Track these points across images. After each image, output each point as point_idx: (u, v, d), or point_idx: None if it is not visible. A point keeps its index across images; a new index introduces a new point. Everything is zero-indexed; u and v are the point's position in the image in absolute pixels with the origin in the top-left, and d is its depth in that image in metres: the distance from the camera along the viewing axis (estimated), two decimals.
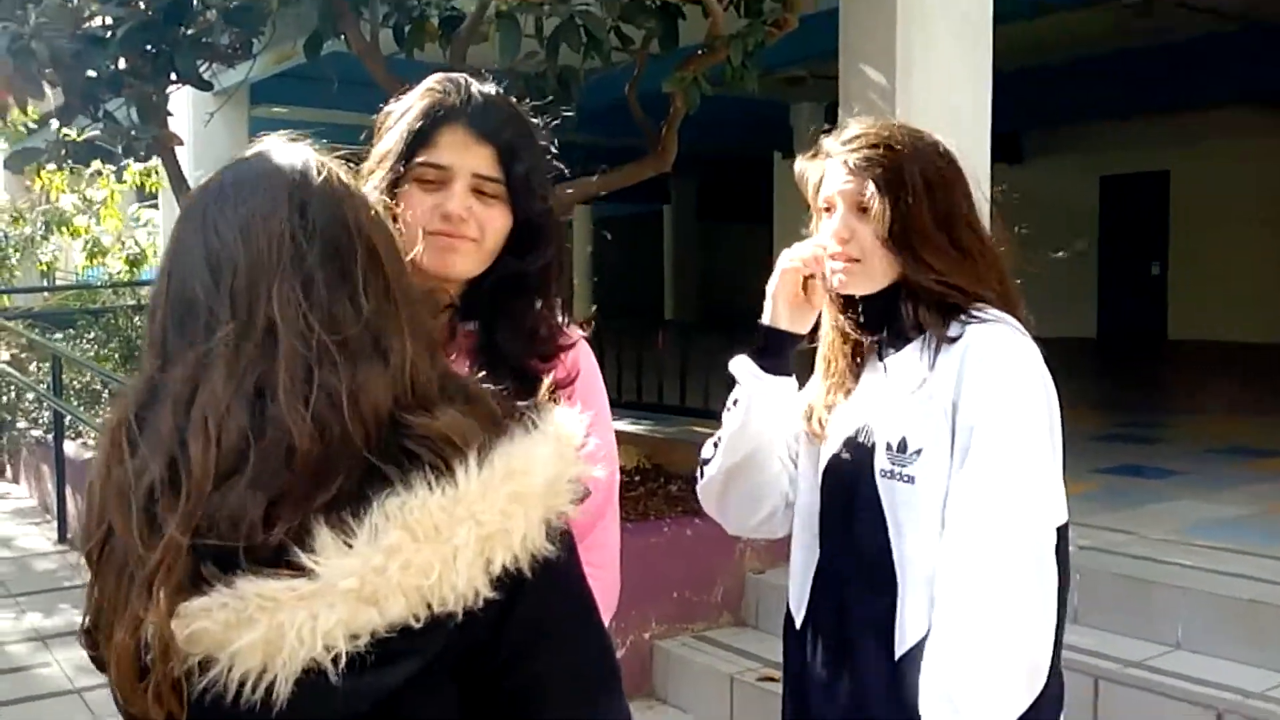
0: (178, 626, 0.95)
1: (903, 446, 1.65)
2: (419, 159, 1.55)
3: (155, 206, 12.59)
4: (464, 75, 1.62)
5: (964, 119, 4.52)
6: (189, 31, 4.98)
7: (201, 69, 5.30)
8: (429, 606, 0.95)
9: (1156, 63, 9.56)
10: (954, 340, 1.64)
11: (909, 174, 1.66)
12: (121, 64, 5.05)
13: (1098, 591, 4.02)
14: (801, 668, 1.79)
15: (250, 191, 1.07)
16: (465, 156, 1.56)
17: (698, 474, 1.87)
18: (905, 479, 1.64)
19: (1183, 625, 3.80)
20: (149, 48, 4.93)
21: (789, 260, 1.74)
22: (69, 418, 6.97)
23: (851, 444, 1.73)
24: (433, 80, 1.61)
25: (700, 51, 4.48)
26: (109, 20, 4.82)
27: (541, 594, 1.00)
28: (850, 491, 1.71)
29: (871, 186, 1.66)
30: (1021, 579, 1.55)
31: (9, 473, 8.66)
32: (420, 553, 0.95)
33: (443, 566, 0.95)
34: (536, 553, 0.98)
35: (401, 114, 1.59)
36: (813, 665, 1.76)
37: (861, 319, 1.75)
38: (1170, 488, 5.62)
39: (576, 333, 1.71)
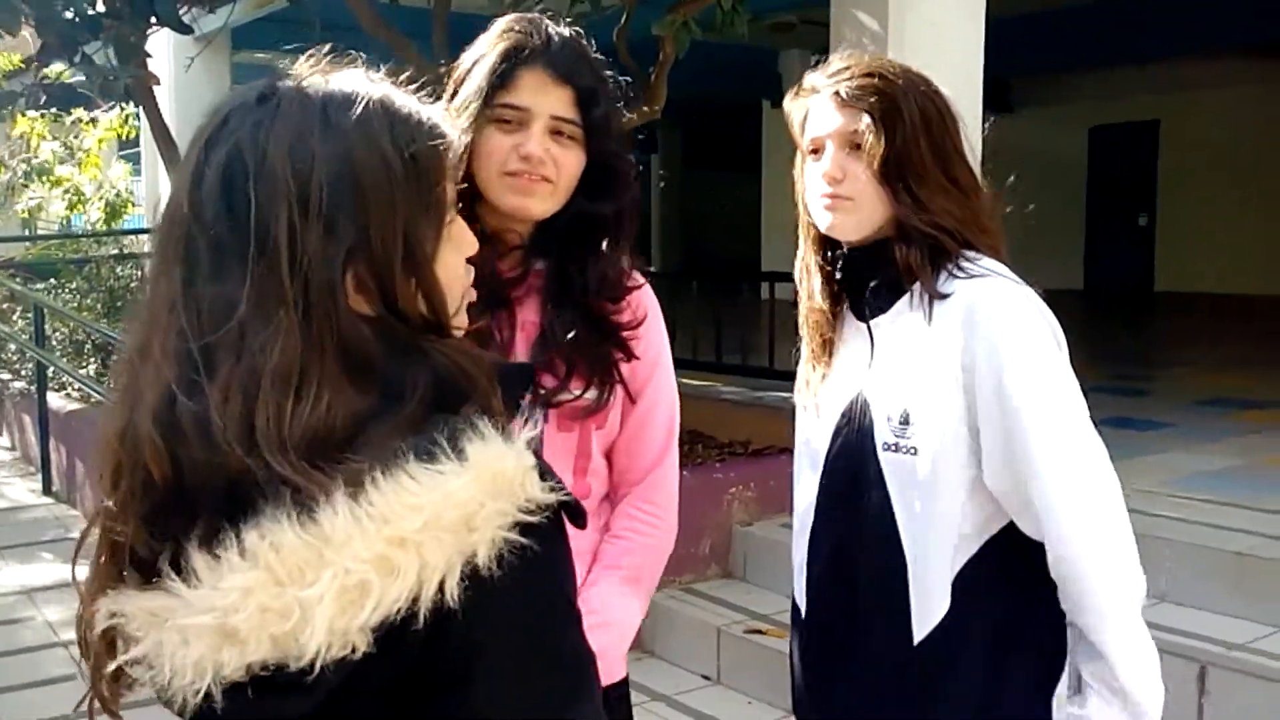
0: (99, 620, 0.94)
1: (905, 419, 1.56)
2: (498, 100, 1.57)
3: (136, 156, 12.46)
4: (540, 16, 1.63)
5: (957, 66, 4.46)
6: None
7: (181, 13, 5.20)
8: (299, 652, 0.85)
9: (1148, 10, 9.49)
10: (947, 296, 1.55)
11: (904, 106, 1.56)
12: (100, 6, 4.95)
13: None
14: (811, 658, 1.72)
15: (190, 149, 0.97)
16: (544, 98, 1.57)
17: None
18: (909, 450, 1.56)
19: (1168, 577, 3.80)
20: None
21: None
22: (52, 369, 6.91)
23: (848, 419, 1.65)
24: (509, 21, 1.62)
25: None
26: None
27: (474, 624, 0.89)
28: (854, 470, 1.62)
29: (865, 119, 1.56)
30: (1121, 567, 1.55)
31: None
32: (280, 597, 0.85)
33: (300, 616, 0.85)
34: (450, 593, 0.86)
35: (478, 57, 1.61)
36: (823, 656, 1.69)
37: (840, 272, 1.66)
38: (1158, 440, 5.63)
39: (638, 278, 1.73)
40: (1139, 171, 13.46)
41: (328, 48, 1.06)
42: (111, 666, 0.94)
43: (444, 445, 0.89)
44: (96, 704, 0.98)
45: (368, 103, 0.97)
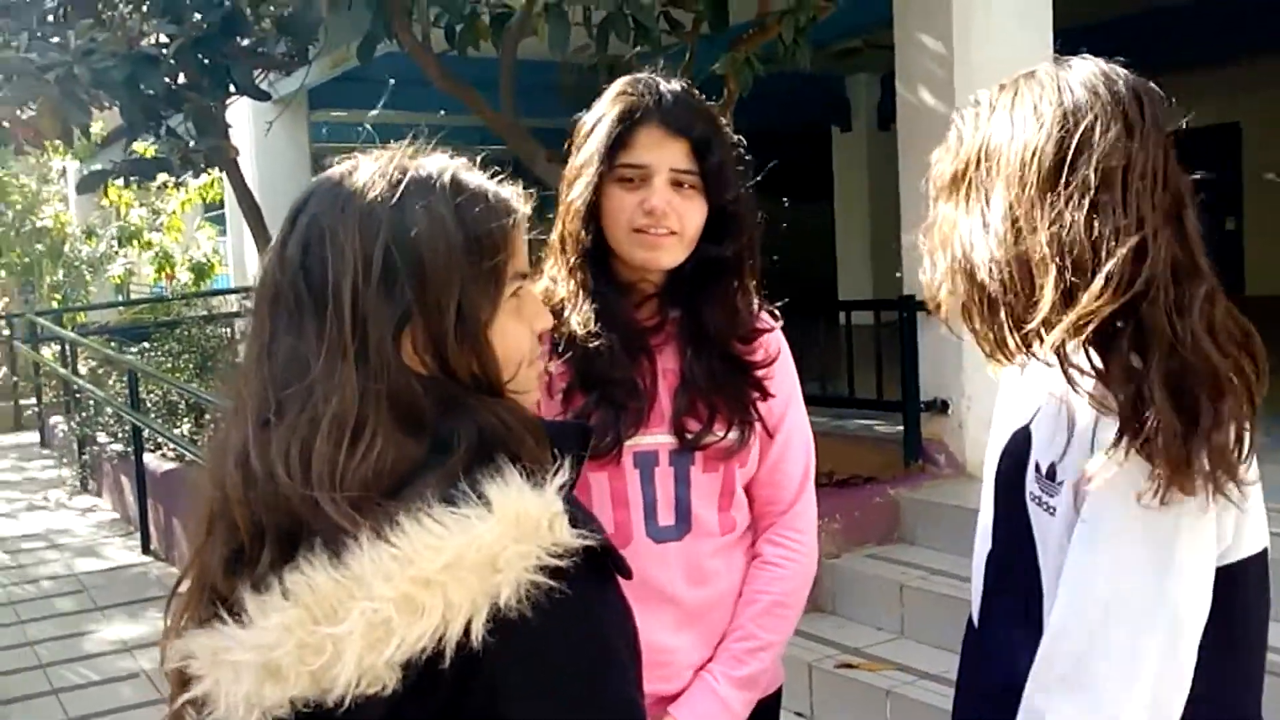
0: (170, 660, 1.01)
1: (1051, 474, 1.39)
2: (619, 161, 1.65)
3: (221, 217, 12.81)
4: (650, 75, 1.70)
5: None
6: (244, 43, 5.03)
7: (258, 79, 5.35)
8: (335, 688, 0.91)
9: (1216, 11, 9.30)
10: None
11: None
12: (180, 79, 5.12)
13: None
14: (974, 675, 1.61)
15: (283, 223, 1.09)
16: (662, 153, 1.65)
17: None
18: (1049, 510, 1.38)
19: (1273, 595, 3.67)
20: (205, 61, 4.99)
21: None
22: (147, 431, 7.09)
23: (1011, 450, 1.50)
24: (622, 84, 1.69)
25: (751, 30, 4.43)
26: (164, 37, 4.88)
27: (504, 668, 0.92)
28: (1008, 508, 1.48)
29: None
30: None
31: (93, 486, 8.86)
32: (315, 634, 0.91)
33: (332, 651, 0.90)
34: (475, 634, 0.90)
35: (596, 121, 1.68)
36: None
37: None
38: (1264, 452, 5.44)
39: (768, 320, 1.80)
40: (1223, 174, 13.17)
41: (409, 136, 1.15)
42: (177, 704, 1.00)
43: (467, 491, 0.94)
44: None
45: (439, 180, 1.07)
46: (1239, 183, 13.11)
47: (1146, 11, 9.54)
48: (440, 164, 1.09)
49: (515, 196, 1.12)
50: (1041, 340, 1.30)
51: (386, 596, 0.90)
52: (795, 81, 8.34)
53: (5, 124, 4.93)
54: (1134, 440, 1.24)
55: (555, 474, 0.99)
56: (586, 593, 0.96)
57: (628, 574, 1.01)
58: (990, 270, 1.32)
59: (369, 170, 1.07)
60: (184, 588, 1.03)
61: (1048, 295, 1.28)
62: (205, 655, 0.97)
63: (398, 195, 1.04)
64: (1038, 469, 1.41)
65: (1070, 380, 1.30)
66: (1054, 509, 1.37)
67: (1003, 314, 1.33)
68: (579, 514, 0.98)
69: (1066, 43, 5.12)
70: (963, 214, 1.38)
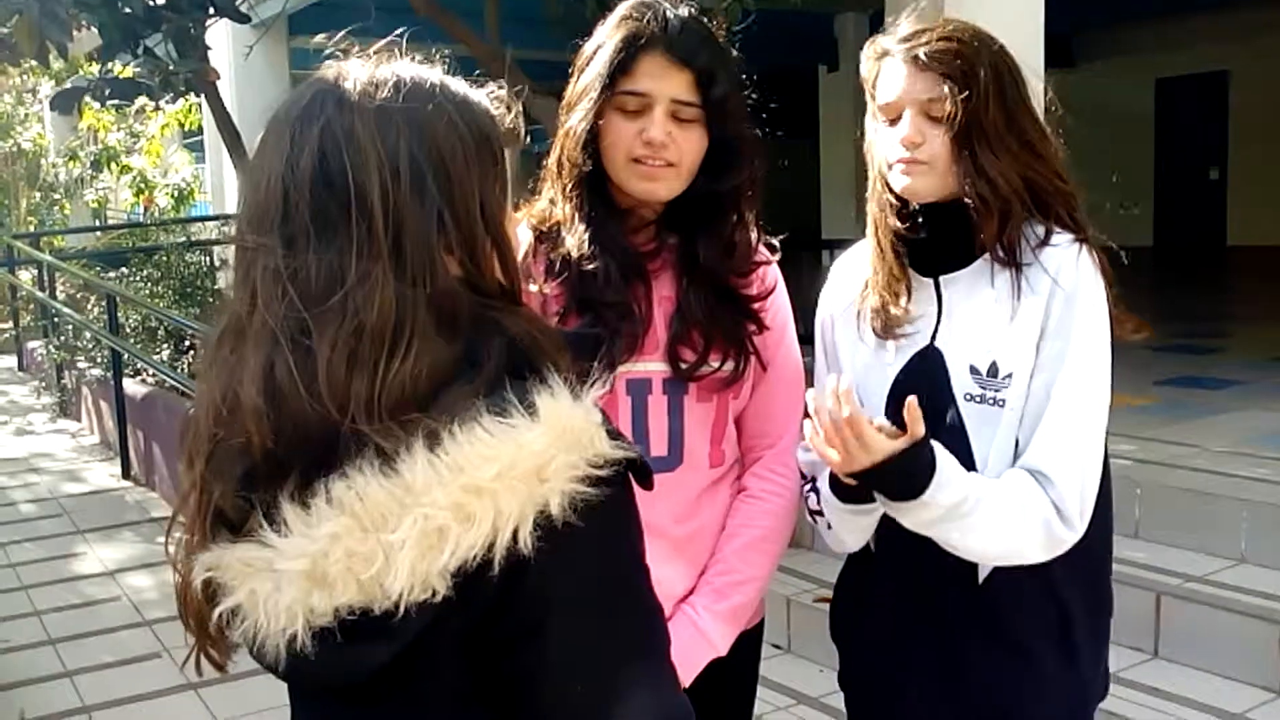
0: (196, 573, 1.01)
1: (993, 370, 1.59)
2: (620, 88, 1.61)
3: (199, 145, 12.65)
4: (657, 0, 1.65)
5: (1017, 22, 4.37)
6: None
7: (238, 1, 5.26)
8: (383, 595, 0.92)
9: None
10: (1026, 265, 1.58)
11: (979, 72, 1.56)
12: (159, 0, 5.03)
13: (1159, 506, 3.97)
14: (882, 597, 1.74)
15: (272, 132, 1.03)
16: (664, 83, 1.61)
17: (810, 519, 1.74)
18: (997, 403, 1.58)
19: (1247, 539, 3.75)
20: None
21: (819, 440, 1.53)
22: (126, 356, 7.07)
23: (920, 364, 1.65)
24: (627, 8, 1.65)
25: None
26: None
27: (548, 574, 0.94)
28: (928, 415, 1.60)
29: (944, 85, 1.56)
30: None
31: (71, 411, 8.83)
32: (365, 542, 0.92)
33: (385, 559, 0.91)
34: (523, 541, 0.92)
35: (599, 45, 1.65)
36: (897, 594, 1.71)
37: (919, 232, 1.65)
38: (1232, 398, 5.52)
39: (766, 252, 1.77)
40: (1209, 123, 13.14)
41: (383, 39, 1.10)
42: (214, 617, 1.00)
43: (515, 401, 0.95)
44: (207, 667, 1.05)
45: (433, 85, 1.04)
46: (1224, 132, 13.09)
47: None
48: (422, 69, 1.06)
49: (494, 101, 1.10)
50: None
51: (440, 504, 0.91)
52: (784, 19, 8.25)
53: None
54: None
55: (592, 385, 1.00)
56: (620, 503, 0.99)
57: (650, 486, 1.03)
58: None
59: (363, 74, 1.03)
60: (186, 510, 1.02)
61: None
62: (236, 568, 0.97)
63: (403, 97, 1.01)
64: (974, 370, 1.59)
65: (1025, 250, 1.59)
66: (1002, 401, 1.56)
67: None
68: (609, 425, 1.00)
69: None
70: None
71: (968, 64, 1.57)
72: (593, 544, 0.96)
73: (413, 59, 1.08)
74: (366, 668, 0.96)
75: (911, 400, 1.47)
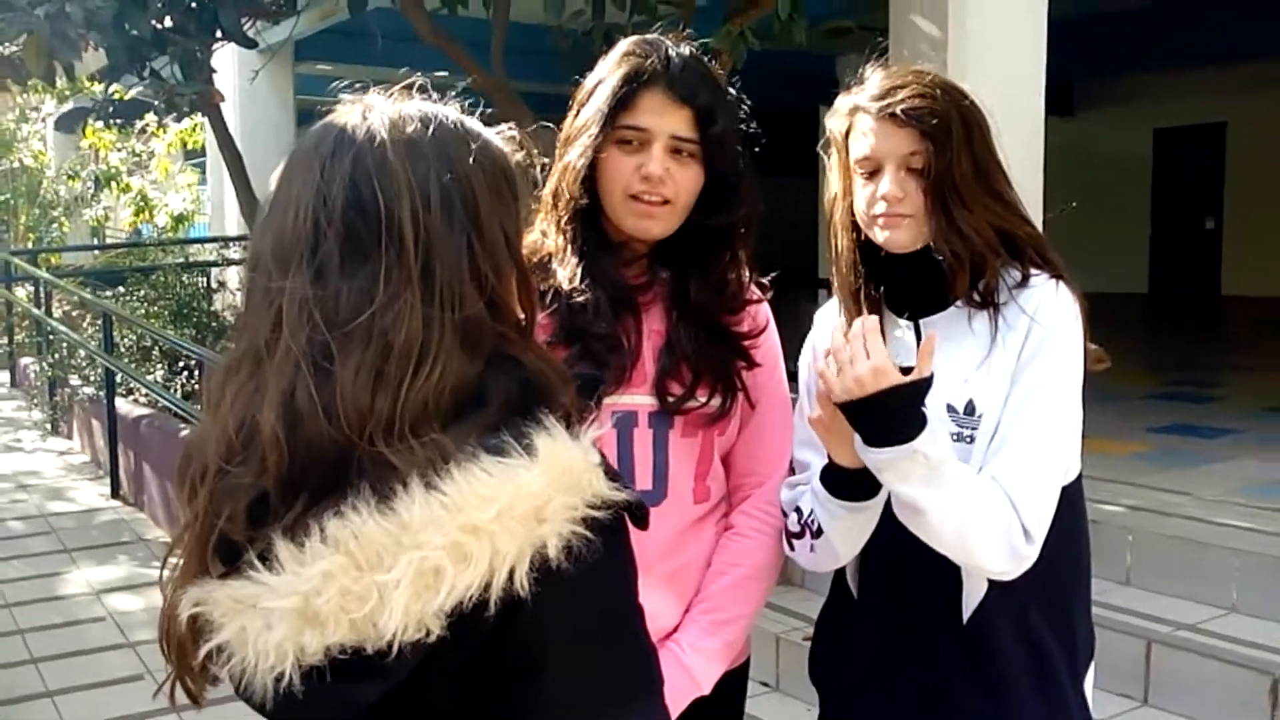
0: (183, 607, 1.00)
1: (970, 409, 1.61)
2: (620, 123, 1.63)
3: (202, 165, 12.69)
4: (659, 37, 1.68)
5: (1018, 70, 4.41)
6: None
7: (245, 26, 5.29)
8: (376, 635, 0.91)
9: (1212, 9, 9.32)
10: (1003, 304, 1.62)
11: (950, 126, 1.60)
12: (167, 22, 5.05)
13: (1151, 553, 3.97)
14: (863, 639, 1.75)
15: (299, 163, 1.04)
16: (664, 119, 1.63)
17: (788, 545, 1.73)
18: (968, 440, 1.60)
19: (1238, 588, 3.74)
20: (192, 5, 4.93)
21: (815, 413, 1.59)
22: (120, 375, 7.05)
23: None
24: (630, 44, 1.67)
25: (748, 4, 4.41)
26: None
27: (544, 615, 0.94)
28: None
29: (923, 142, 1.60)
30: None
31: (63, 429, 8.80)
32: (360, 581, 0.91)
33: (379, 598, 0.91)
34: (519, 582, 0.92)
35: (599, 80, 1.66)
36: (882, 637, 1.71)
37: (888, 280, 1.69)
38: (1225, 447, 5.52)
39: (757, 291, 1.78)
40: (1206, 174, 13.22)
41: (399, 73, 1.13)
42: (201, 653, 0.99)
43: (514, 442, 0.95)
44: (180, 694, 1.04)
45: (455, 121, 1.08)
46: (1220, 183, 13.17)
47: (1142, 8, 9.54)
48: (437, 107, 1.08)
49: (507, 139, 1.13)
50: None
51: (436, 544, 0.91)
52: (786, 59, 8.31)
53: None
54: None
55: (589, 426, 1.01)
56: (617, 544, 0.99)
57: (645, 526, 1.03)
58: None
59: (389, 109, 1.06)
60: (184, 540, 1.01)
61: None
62: (226, 604, 0.96)
63: (429, 131, 1.04)
64: (951, 410, 1.62)
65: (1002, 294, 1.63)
66: (974, 437, 1.60)
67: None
68: (607, 466, 1.00)
69: (1060, 33, 5.12)
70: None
71: (942, 120, 1.60)
72: (590, 585, 0.96)
73: (429, 97, 1.10)
74: (357, 707, 0.95)
75: (931, 335, 1.50)
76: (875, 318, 1.52)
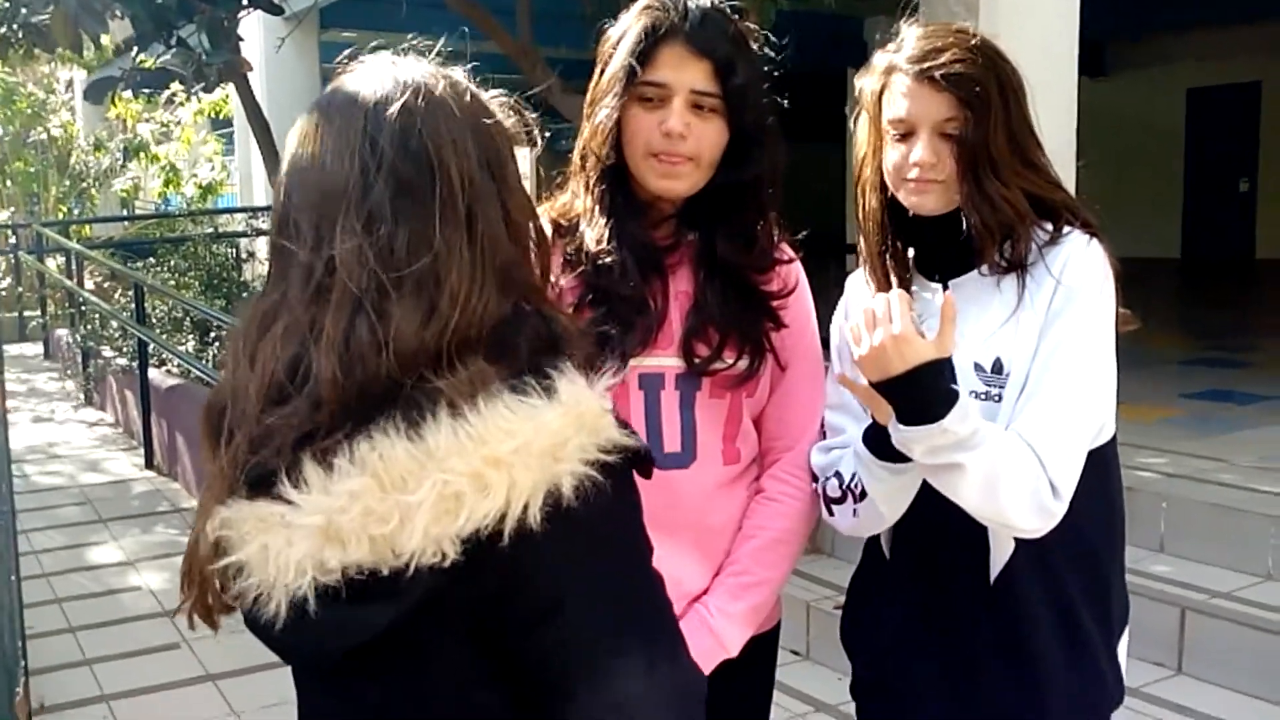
0: (209, 529, 1.04)
1: (997, 367, 1.61)
2: (640, 79, 1.61)
3: (229, 135, 12.71)
4: None
5: (1050, 30, 4.34)
6: None
7: None
8: (394, 555, 0.95)
9: None
10: (1031, 265, 1.60)
11: (990, 95, 1.58)
12: None
13: (1186, 520, 3.93)
14: (896, 597, 1.75)
15: (337, 117, 1.08)
16: (683, 73, 1.60)
17: (826, 511, 1.72)
18: (995, 399, 1.60)
19: (1273, 555, 3.71)
20: None
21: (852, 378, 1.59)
22: (152, 345, 7.10)
23: None
24: None
25: None
26: None
27: (557, 553, 0.98)
28: None
29: (961, 108, 1.57)
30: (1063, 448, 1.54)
31: (96, 400, 8.89)
32: (384, 502, 0.95)
33: (400, 519, 0.95)
34: (532, 517, 0.96)
35: (620, 35, 1.64)
36: (912, 596, 1.72)
37: (917, 242, 1.68)
38: (1261, 413, 5.46)
39: (788, 250, 1.76)
40: (1240, 135, 13.03)
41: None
42: (219, 566, 1.03)
43: (534, 383, 1.00)
44: (196, 616, 1.10)
45: (460, 80, 1.12)
46: (1255, 144, 12.97)
47: None
48: (444, 69, 1.13)
49: (501, 106, 1.17)
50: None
51: (459, 471, 0.95)
52: (813, 21, 8.22)
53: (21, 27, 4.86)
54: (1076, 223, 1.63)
55: (603, 375, 1.05)
56: (626, 487, 1.04)
57: (649, 475, 1.07)
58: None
59: (411, 69, 1.10)
60: (213, 483, 1.05)
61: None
62: (251, 523, 1.00)
63: (456, 90, 1.10)
64: (978, 368, 1.62)
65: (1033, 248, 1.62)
66: (1000, 395, 1.60)
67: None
68: (616, 413, 1.04)
69: None
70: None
71: (982, 87, 1.58)
72: (601, 526, 1.00)
73: (436, 60, 1.15)
74: (368, 630, 0.99)
75: (949, 302, 1.49)
76: (901, 291, 1.52)
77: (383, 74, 1.10)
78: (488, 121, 1.10)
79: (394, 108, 1.06)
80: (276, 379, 1.01)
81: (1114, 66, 12.94)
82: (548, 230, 1.68)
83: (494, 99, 1.15)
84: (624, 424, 1.04)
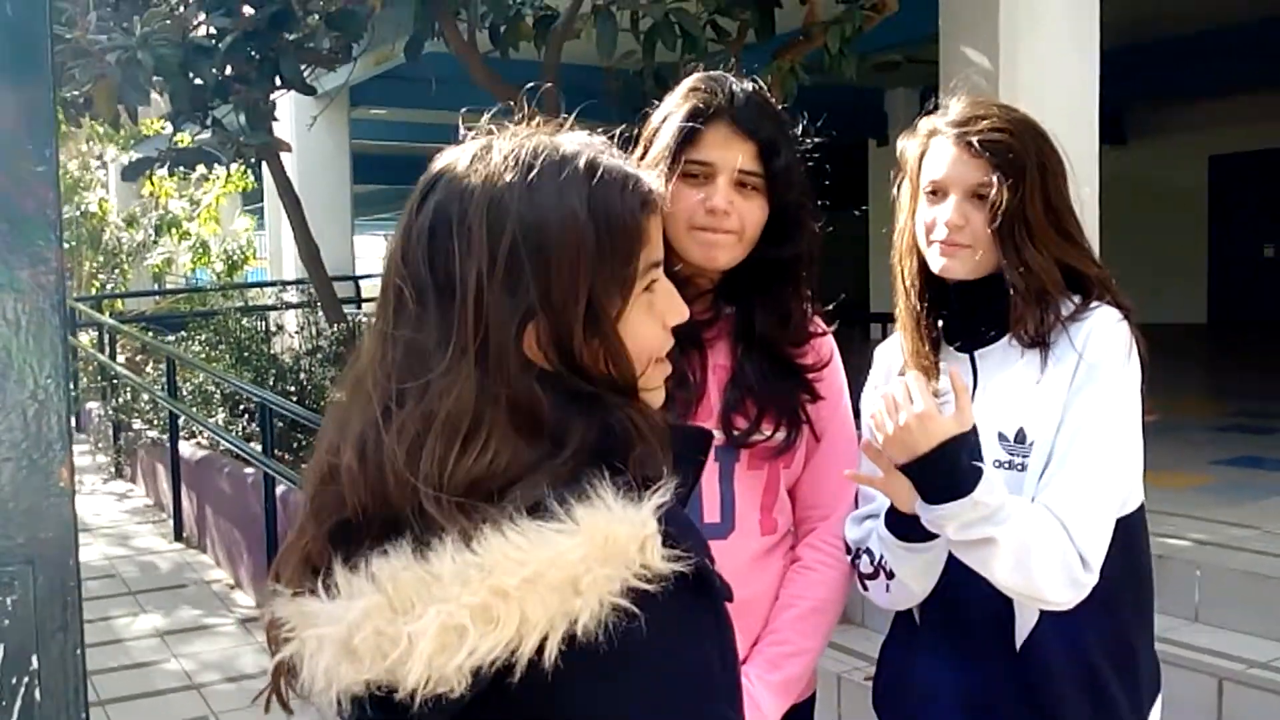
0: (266, 614, 1.01)
1: (1020, 437, 1.62)
2: (686, 157, 1.65)
3: (258, 210, 12.90)
4: (723, 74, 1.71)
5: (1070, 100, 4.39)
6: (292, 37, 5.08)
7: (304, 73, 5.40)
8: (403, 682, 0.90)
9: (1268, 34, 9.21)
10: (1055, 341, 1.63)
11: (1027, 163, 1.62)
12: (228, 70, 5.17)
13: (1219, 589, 3.88)
14: (916, 663, 1.76)
15: (413, 196, 1.04)
16: (729, 153, 1.65)
17: (861, 586, 1.73)
18: (1020, 468, 1.62)
19: None
20: (254, 54, 5.05)
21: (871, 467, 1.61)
22: (183, 418, 7.16)
23: None
24: (695, 80, 1.70)
25: (798, 39, 4.44)
26: (214, 29, 4.93)
27: (580, 691, 0.89)
28: None
29: (994, 174, 1.61)
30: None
31: (127, 472, 8.94)
32: (393, 624, 0.90)
33: (407, 645, 0.89)
34: (550, 653, 0.87)
35: (665, 117, 1.70)
36: (929, 660, 1.73)
37: (950, 308, 1.71)
38: None
39: (821, 324, 1.80)
40: (1264, 201, 13.03)
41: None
42: (274, 661, 1.00)
43: (556, 507, 0.91)
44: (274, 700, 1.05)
45: (574, 163, 1.01)
46: (1279, 210, 12.96)
47: (1194, 35, 9.45)
48: (579, 144, 1.03)
49: (653, 179, 1.07)
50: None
51: (463, 601, 0.88)
52: (834, 94, 8.32)
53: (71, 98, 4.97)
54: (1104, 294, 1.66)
55: (655, 492, 0.94)
56: (677, 618, 0.93)
57: (729, 596, 0.98)
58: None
59: (502, 151, 1.01)
60: (288, 547, 1.04)
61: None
62: (295, 619, 0.97)
63: (529, 181, 0.98)
64: (1002, 438, 1.63)
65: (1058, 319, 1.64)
66: (1025, 465, 1.61)
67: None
68: (679, 530, 0.94)
69: (1112, 62, 5.07)
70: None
71: (1018, 156, 1.62)
72: (641, 663, 0.90)
73: (584, 133, 1.06)
74: None
75: (954, 371, 1.51)
76: (916, 373, 1.56)
77: (462, 153, 1.03)
78: (565, 216, 0.98)
79: (435, 200, 1.00)
80: (324, 457, 1.00)
81: (1134, 134, 13.01)
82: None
83: (626, 170, 1.03)
84: (684, 536, 0.94)
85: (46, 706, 0.93)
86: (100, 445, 9.82)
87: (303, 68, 5.34)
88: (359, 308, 10.17)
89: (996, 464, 1.63)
